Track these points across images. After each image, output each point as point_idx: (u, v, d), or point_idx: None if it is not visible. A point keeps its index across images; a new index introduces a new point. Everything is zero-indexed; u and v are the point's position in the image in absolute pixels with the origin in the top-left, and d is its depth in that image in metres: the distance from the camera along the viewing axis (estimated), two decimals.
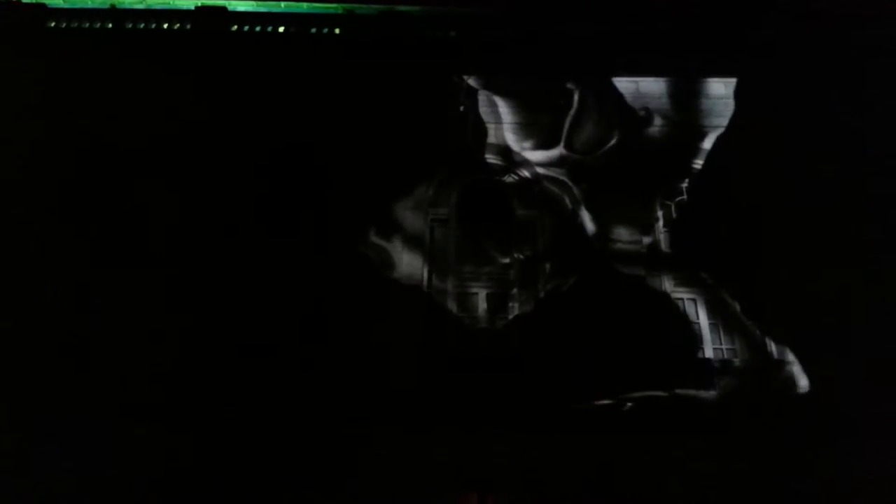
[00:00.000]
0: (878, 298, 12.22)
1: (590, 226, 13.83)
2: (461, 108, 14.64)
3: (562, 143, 14.53)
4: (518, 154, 14.57)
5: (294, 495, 10.52)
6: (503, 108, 14.84)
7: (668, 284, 13.35)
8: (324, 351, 12.19)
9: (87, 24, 15.11)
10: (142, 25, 15.09)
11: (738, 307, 13.05)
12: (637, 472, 10.90)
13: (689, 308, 13.20)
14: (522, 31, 14.64)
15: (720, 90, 14.80)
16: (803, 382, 12.17)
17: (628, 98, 14.79)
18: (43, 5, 14.96)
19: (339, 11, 14.85)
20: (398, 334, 12.46)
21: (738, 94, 14.62)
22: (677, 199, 14.21)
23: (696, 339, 12.81)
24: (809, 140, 13.65)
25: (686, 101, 14.76)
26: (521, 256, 13.68)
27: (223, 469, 10.78)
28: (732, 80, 14.72)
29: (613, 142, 14.50)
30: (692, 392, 12.11)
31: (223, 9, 14.93)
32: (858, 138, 13.74)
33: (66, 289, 12.69)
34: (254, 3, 14.92)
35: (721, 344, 12.85)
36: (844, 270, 12.46)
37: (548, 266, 13.49)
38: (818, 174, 13.27)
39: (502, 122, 14.71)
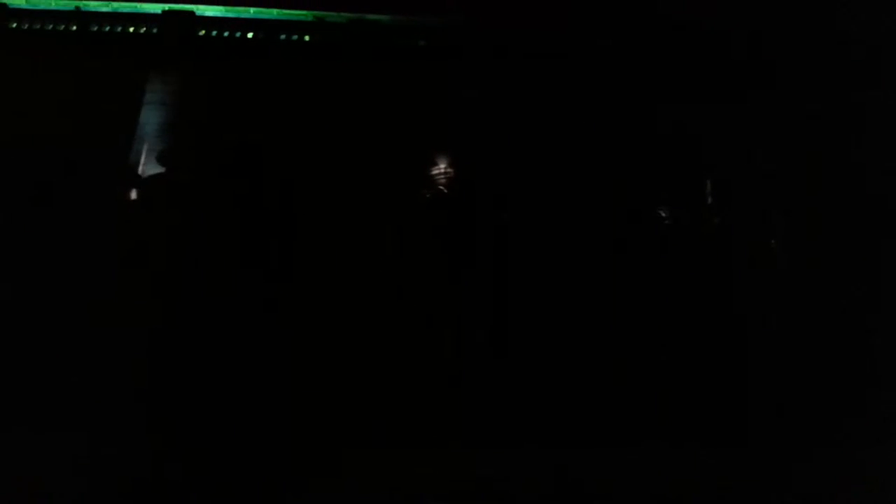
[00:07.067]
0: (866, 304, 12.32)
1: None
2: None
3: None
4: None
5: None
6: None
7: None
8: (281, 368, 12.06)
9: (51, 26, 14.76)
10: (107, 28, 14.78)
11: None
12: (597, 486, 10.79)
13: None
14: (492, 42, 14.58)
15: None
16: None
17: None
18: (4, 6, 14.60)
19: (310, 19, 14.74)
20: (355, 348, 12.34)
21: None
22: None
23: None
24: None
25: None
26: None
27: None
28: None
29: None
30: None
31: (191, 13, 14.65)
32: None
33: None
34: (222, 8, 14.69)
35: None
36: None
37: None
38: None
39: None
